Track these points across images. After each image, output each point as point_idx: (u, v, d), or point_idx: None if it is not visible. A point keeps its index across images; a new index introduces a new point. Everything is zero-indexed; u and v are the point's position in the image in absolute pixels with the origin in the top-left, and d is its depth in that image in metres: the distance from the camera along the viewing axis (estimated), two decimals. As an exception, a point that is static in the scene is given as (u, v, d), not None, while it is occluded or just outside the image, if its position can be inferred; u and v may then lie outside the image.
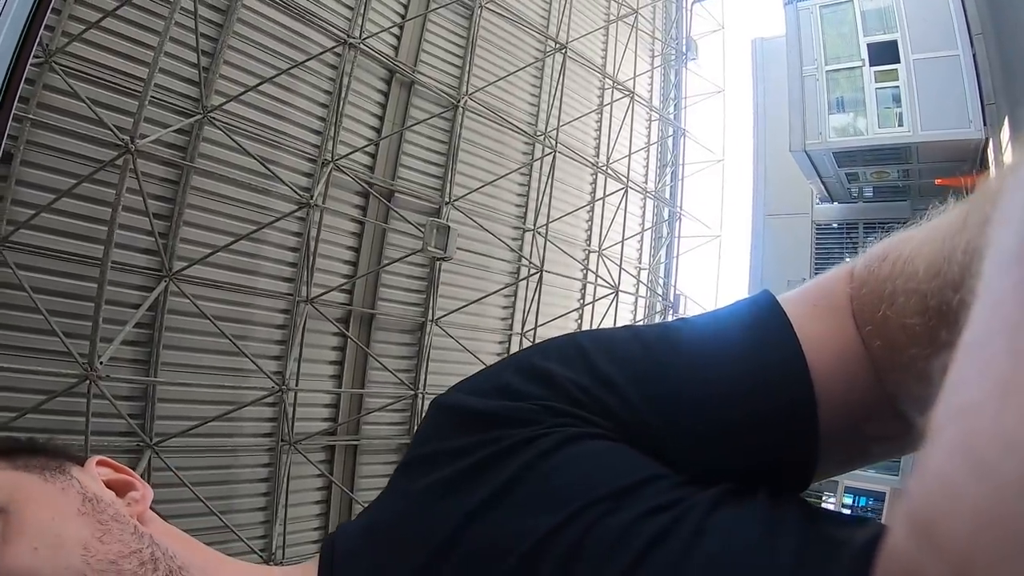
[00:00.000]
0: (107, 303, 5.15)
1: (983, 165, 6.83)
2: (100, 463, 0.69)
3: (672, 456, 0.54)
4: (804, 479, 0.57)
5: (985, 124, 6.43)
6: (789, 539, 0.48)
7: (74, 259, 5.27)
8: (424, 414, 0.61)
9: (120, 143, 4.92)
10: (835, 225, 9.39)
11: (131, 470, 0.69)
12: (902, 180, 8.30)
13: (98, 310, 5.00)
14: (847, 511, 6.95)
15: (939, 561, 0.22)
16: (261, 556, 6.86)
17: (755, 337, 0.58)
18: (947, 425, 0.24)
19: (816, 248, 9.38)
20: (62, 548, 0.55)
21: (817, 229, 9.43)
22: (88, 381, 4.95)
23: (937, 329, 0.46)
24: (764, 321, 0.58)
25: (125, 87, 5.31)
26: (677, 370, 0.57)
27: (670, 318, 12.55)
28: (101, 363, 5.05)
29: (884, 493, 7.61)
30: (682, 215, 13.02)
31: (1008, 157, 5.81)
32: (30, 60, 3.92)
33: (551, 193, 9.52)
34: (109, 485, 0.67)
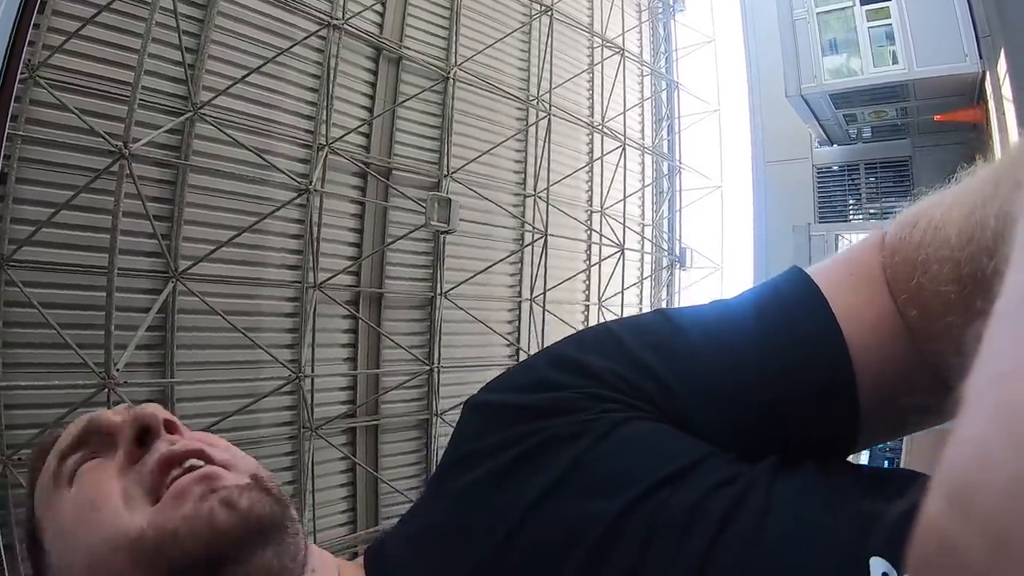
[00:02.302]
0: (117, 310, 5.17)
1: (981, 98, 6.74)
2: None
3: (712, 435, 0.55)
4: (846, 450, 0.58)
5: (981, 57, 6.33)
6: (846, 512, 0.49)
7: (80, 270, 5.29)
8: (460, 416, 0.61)
9: (113, 150, 4.91)
10: (836, 167, 9.30)
11: None
12: (900, 118, 8.20)
13: (109, 318, 5.03)
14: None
15: (976, 531, 0.21)
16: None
17: (789, 314, 0.57)
18: (982, 394, 0.24)
19: (819, 192, 9.31)
20: (250, 460, 0.64)
21: (818, 173, 9.35)
22: (106, 389, 5.01)
23: (972, 296, 0.46)
24: (797, 297, 0.58)
25: (112, 93, 5.27)
26: (712, 352, 0.57)
27: (677, 272, 12.57)
28: (117, 370, 5.09)
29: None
30: (682, 168, 12.93)
31: (1006, 89, 5.74)
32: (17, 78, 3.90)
33: (549, 157, 9.46)
34: None
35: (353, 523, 7.96)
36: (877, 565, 0.45)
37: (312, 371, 7.25)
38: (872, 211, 9.11)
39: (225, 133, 5.98)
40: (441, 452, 6.61)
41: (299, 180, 6.64)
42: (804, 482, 0.51)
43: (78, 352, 4.91)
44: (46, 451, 0.66)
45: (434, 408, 8.51)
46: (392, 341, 8.01)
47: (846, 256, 0.62)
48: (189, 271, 5.92)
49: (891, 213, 9.06)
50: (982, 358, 0.25)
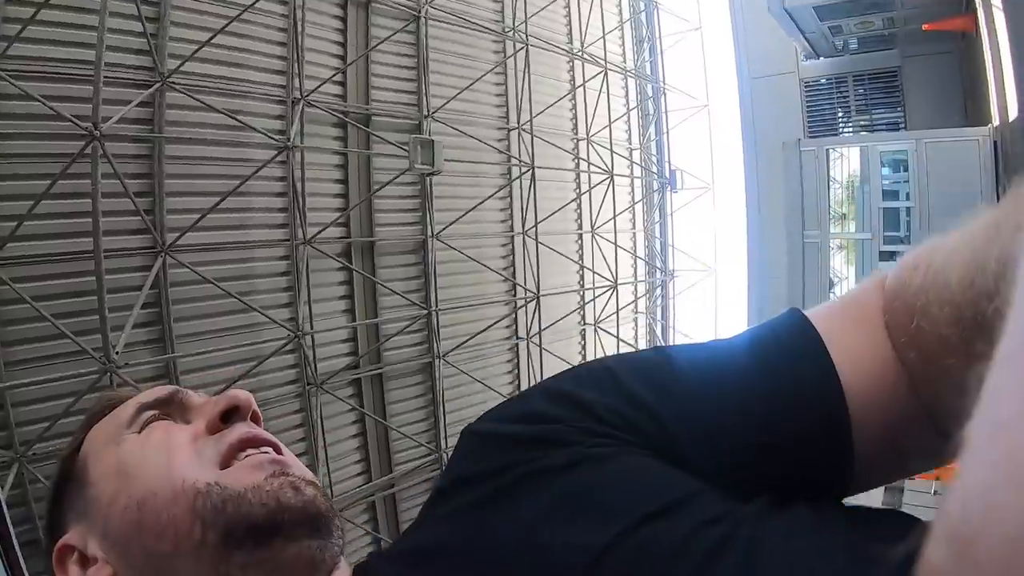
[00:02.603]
0: (109, 292, 5.14)
1: (970, 7, 6.55)
2: (62, 551, 0.66)
3: (705, 473, 0.55)
4: (839, 492, 0.58)
5: (970, -36, 6.15)
6: (838, 556, 0.48)
7: (67, 258, 5.23)
8: (456, 443, 0.62)
9: (84, 132, 4.78)
10: (823, 81, 9.13)
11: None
12: (887, 28, 8.00)
13: (102, 302, 5.00)
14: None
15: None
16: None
17: (786, 358, 0.58)
18: (984, 440, 0.24)
19: (807, 105, 9.18)
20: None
21: (805, 86, 9.19)
22: (108, 373, 5.03)
23: (973, 339, 0.45)
24: (795, 341, 0.58)
25: (77, 75, 5.09)
26: (709, 393, 0.57)
27: (668, 195, 12.48)
28: (117, 353, 5.10)
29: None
30: (666, 90, 12.68)
31: (996, -4, 5.57)
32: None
33: (530, 88, 9.27)
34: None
35: (367, 472, 8.14)
36: None
37: (311, 327, 7.26)
38: (862, 123, 9.00)
39: (197, 99, 5.82)
40: (446, 394, 6.79)
41: (278, 138, 6.50)
42: (794, 523, 0.51)
43: (75, 340, 4.90)
44: (111, 404, 0.72)
45: (436, 351, 8.58)
46: (388, 288, 8.01)
47: (846, 299, 0.63)
48: (177, 243, 5.85)
49: (881, 125, 8.97)
50: (984, 403, 0.25)
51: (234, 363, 6.54)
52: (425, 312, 8.30)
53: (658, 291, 12.91)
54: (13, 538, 3.55)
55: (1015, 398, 0.23)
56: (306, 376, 7.21)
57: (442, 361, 8.63)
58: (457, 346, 8.69)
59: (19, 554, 3.53)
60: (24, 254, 4.98)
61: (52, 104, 4.62)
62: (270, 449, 0.65)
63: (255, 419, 0.69)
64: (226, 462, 0.62)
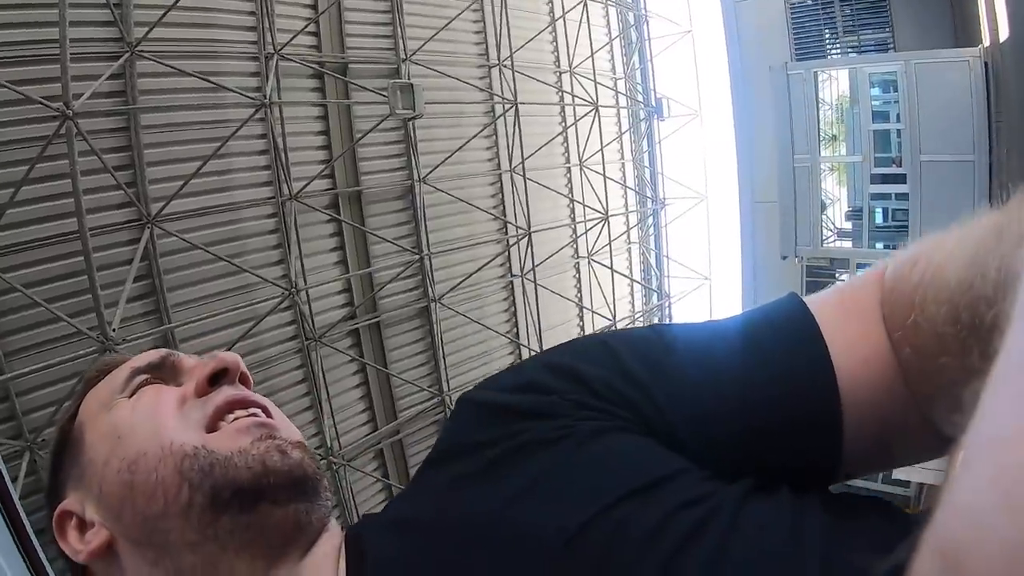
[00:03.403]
0: (99, 269, 5.13)
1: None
2: (61, 518, 0.65)
3: (694, 453, 0.55)
4: (826, 480, 0.59)
5: None
6: (815, 544, 0.49)
7: (53, 241, 5.19)
8: (452, 410, 0.63)
9: (56, 113, 4.68)
10: (809, 1, 8.88)
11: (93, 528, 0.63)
12: (875, -55, 7.76)
13: (93, 281, 5.00)
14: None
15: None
16: (319, 455, 7.30)
17: (781, 343, 0.58)
18: (977, 456, 0.24)
19: (793, 27, 8.94)
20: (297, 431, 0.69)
21: (791, 8, 8.94)
22: (107, 351, 5.06)
23: (968, 340, 0.46)
24: (791, 326, 0.59)
25: (43, 55, 4.95)
26: (702, 374, 0.58)
27: (655, 123, 12.30)
28: (114, 329, 5.12)
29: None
30: (648, 16, 12.33)
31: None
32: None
33: (508, 23, 9.03)
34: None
35: (373, 421, 8.28)
36: None
37: (305, 283, 7.28)
38: (851, 44, 8.80)
39: (168, 65, 5.67)
40: (444, 337, 6.84)
41: (254, 95, 6.38)
42: (773, 509, 0.51)
43: (70, 323, 4.92)
44: (106, 370, 0.72)
45: (431, 294, 8.61)
46: (378, 236, 8.00)
47: (844, 289, 0.63)
48: (163, 213, 5.81)
49: (870, 45, 8.77)
50: (979, 419, 0.25)
51: (231, 326, 6.58)
52: (418, 257, 8.30)
53: (650, 220, 12.87)
54: (28, 527, 3.63)
55: (1007, 417, 0.24)
56: (304, 331, 7.27)
57: (438, 304, 8.67)
58: (452, 288, 8.72)
59: (35, 543, 3.61)
60: (9, 243, 4.94)
61: (20, 88, 4.51)
62: (259, 411, 0.65)
63: (244, 381, 0.69)
64: (213, 425, 0.63)
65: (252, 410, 0.64)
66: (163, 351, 0.72)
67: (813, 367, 0.56)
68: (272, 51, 6.62)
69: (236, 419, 0.63)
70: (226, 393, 0.65)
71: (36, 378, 5.01)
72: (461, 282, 8.77)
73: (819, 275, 11.49)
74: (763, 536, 0.49)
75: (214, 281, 6.50)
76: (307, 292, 7.31)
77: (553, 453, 0.53)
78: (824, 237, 9.33)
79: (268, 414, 0.65)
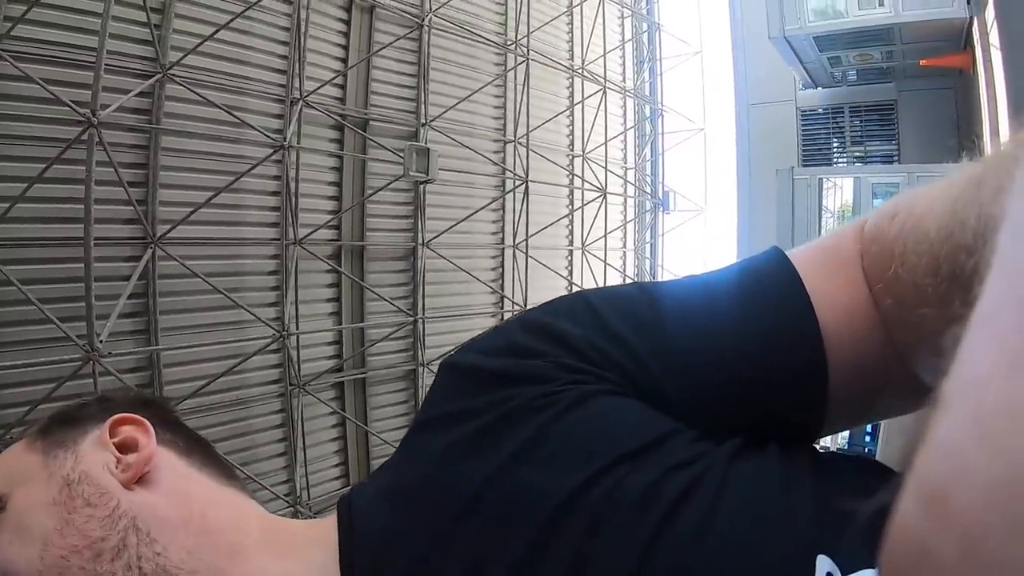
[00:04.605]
0: (97, 280, 5.09)
1: (968, 44, 6.66)
2: (117, 423, 0.65)
3: (681, 411, 0.55)
4: (812, 434, 0.59)
5: (968, 3, 6.23)
6: (805, 499, 0.49)
7: (56, 243, 5.18)
8: (435, 376, 0.61)
9: (81, 119, 4.75)
10: (820, 110, 9.24)
11: (144, 422, 0.65)
12: (886, 62, 8.12)
13: (89, 290, 4.95)
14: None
15: (950, 533, 0.22)
16: (287, 501, 7.09)
17: (765, 295, 0.58)
18: (956, 398, 0.24)
19: (803, 134, 9.26)
20: (25, 542, 0.54)
21: (802, 115, 9.29)
22: (91, 362, 4.97)
23: (949, 290, 0.46)
24: (774, 278, 0.58)
25: (78, 60, 5.06)
26: (686, 328, 0.58)
27: (660, 216, 12.55)
28: (101, 342, 5.04)
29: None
30: (664, 111, 12.78)
31: (994, 36, 5.66)
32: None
33: (528, 102, 9.31)
34: (122, 446, 0.63)
35: (346, 476, 8.07)
36: (823, 564, 0.45)
37: (297, 328, 7.23)
38: (857, 154, 9.09)
39: (196, 93, 5.80)
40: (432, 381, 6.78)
41: (274, 136, 6.49)
42: (762, 466, 0.51)
43: (59, 326, 4.84)
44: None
45: (420, 359, 8.55)
46: (375, 294, 7.99)
47: (825, 242, 0.63)
48: (168, 235, 5.82)
49: (875, 157, 9.06)
50: (960, 362, 0.25)
51: (218, 359, 6.49)
52: (411, 319, 8.28)
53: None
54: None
55: (985, 358, 0.24)
56: (289, 376, 7.17)
57: (426, 369, 8.60)
58: (442, 355, 8.64)
59: None
60: (13, 236, 4.93)
61: (51, 88, 4.60)
62: None
63: None
64: None
65: None
66: None
67: (797, 317, 0.56)
68: (298, 96, 6.78)
69: None
70: None
71: (16, 375, 4.90)
72: (452, 351, 8.71)
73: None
74: (752, 493, 0.49)
75: (208, 312, 6.45)
76: (298, 338, 7.26)
77: (540, 420, 0.52)
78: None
79: None
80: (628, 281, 12.33)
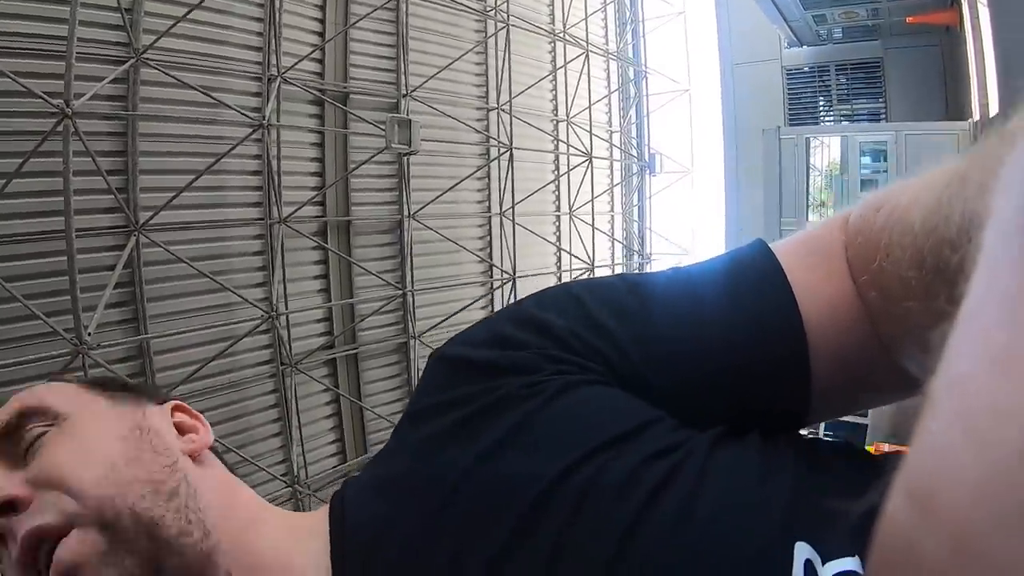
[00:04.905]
0: (81, 272, 5.03)
1: (954, 1, 6.58)
2: (177, 408, 0.72)
3: (663, 400, 0.55)
4: (795, 424, 0.59)
5: (955, -41, 6.15)
6: (784, 487, 0.50)
7: (38, 238, 5.10)
8: (424, 367, 0.62)
9: (55, 110, 4.64)
10: (806, 69, 9.16)
11: (203, 418, 0.73)
12: (871, 19, 8.03)
13: (73, 282, 4.89)
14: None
15: (938, 531, 0.22)
16: (284, 481, 7.13)
17: (747, 285, 0.58)
18: (942, 395, 0.24)
19: (788, 93, 9.20)
20: (89, 461, 0.58)
21: (788, 74, 9.21)
22: (81, 355, 4.93)
23: (933, 284, 0.46)
24: (757, 270, 0.59)
25: (49, 50, 4.92)
26: (669, 319, 0.58)
27: (647, 178, 12.49)
28: (89, 334, 5.00)
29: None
30: (648, 73, 12.64)
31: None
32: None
33: (510, 68, 9.19)
34: (179, 427, 0.69)
35: (342, 453, 8.13)
36: (801, 551, 0.46)
37: (286, 307, 7.20)
38: (843, 112, 9.04)
39: (171, 76, 5.67)
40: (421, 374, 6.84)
41: (253, 115, 6.38)
42: (742, 454, 0.52)
43: (46, 321, 4.79)
44: None
45: (411, 331, 8.55)
46: (363, 268, 7.96)
47: (809, 234, 0.63)
48: (150, 222, 5.74)
49: (862, 115, 9.02)
50: (946, 359, 0.25)
51: (208, 343, 6.46)
52: (401, 292, 8.26)
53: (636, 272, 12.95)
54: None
55: (970, 356, 0.24)
56: (280, 356, 7.16)
57: (418, 341, 8.61)
58: (433, 327, 8.66)
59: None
60: (-6, 234, 4.85)
61: (23, 80, 4.48)
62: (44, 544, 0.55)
63: (13, 506, 0.57)
64: None
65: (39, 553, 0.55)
66: None
67: (779, 308, 0.56)
68: (276, 73, 6.66)
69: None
70: (14, 553, 0.55)
71: (5, 374, 4.85)
72: (442, 321, 8.73)
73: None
74: (732, 481, 0.50)
75: (195, 296, 6.40)
76: (287, 317, 7.23)
77: (525, 409, 0.54)
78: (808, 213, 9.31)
79: (45, 534, 0.55)
80: (617, 244, 12.34)
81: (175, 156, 6.08)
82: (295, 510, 6.39)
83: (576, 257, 10.86)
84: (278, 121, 6.79)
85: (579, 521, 0.48)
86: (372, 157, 7.57)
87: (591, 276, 9.49)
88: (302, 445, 7.51)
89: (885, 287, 0.53)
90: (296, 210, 7.06)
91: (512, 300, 9.46)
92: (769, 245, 0.61)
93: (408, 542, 0.53)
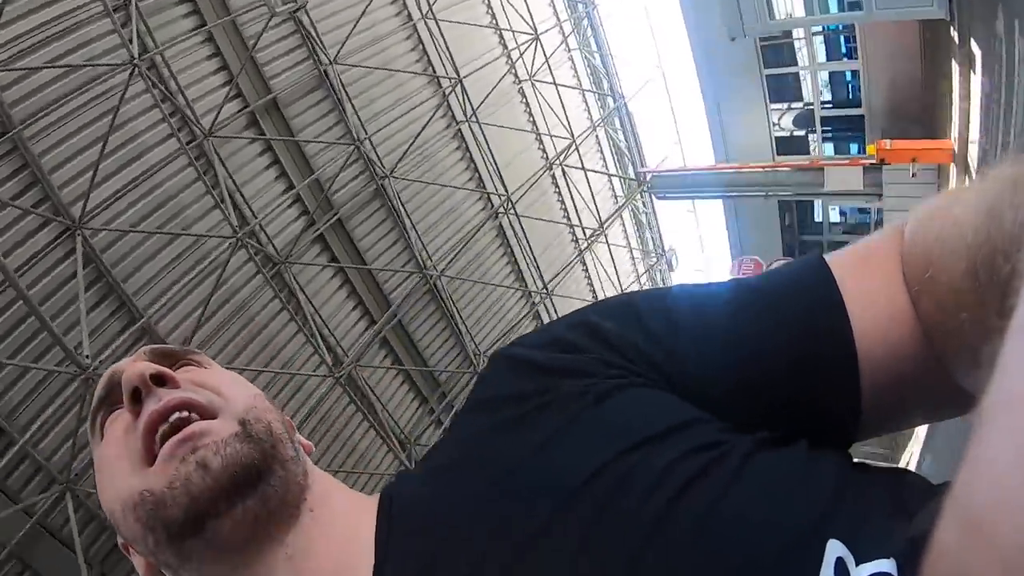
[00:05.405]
0: (45, 300, 5.19)
1: None
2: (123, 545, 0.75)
3: (715, 407, 0.58)
4: (846, 436, 0.61)
5: None
6: (824, 490, 0.51)
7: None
8: (487, 363, 0.67)
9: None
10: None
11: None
12: None
13: (42, 317, 5.05)
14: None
15: (989, 557, 0.22)
16: (322, 375, 7.53)
17: (797, 293, 0.61)
18: (997, 415, 0.24)
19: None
20: (239, 388, 0.71)
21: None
22: (88, 380, 5.10)
23: (987, 295, 0.46)
24: (807, 278, 0.61)
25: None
26: (721, 328, 0.61)
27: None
28: (87, 356, 5.15)
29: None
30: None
31: None
32: None
33: None
34: None
35: (368, 315, 8.53)
36: (833, 548, 0.47)
37: (253, 213, 7.25)
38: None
39: (24, 69, 5.31)
40: (407, 207, 6.66)
41: (125, 60, 5.90)
42: (785, 456, 0.54)
43: (40, 368, 5.02)
44: (100, 397, 0.74)
45: (380, 171, 8.52)
46: (311, 140, 7.81)
47: (863, 244, 0.65)
48: (86, 213, 5.67)
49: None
50: (998, 377, 0.25)
51: (196, 286, 6.65)
52: (353, 145, 8.08)
53: (585, 23, 12.16)
54: None
55: (1021, 373, 0.24)
56: (269, 258, 7.33)
57: (391, 179, 8.59)
58: (401, 157, 8.58)
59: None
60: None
61: None
62: (183, 412, 0.64)
63: (161, 379, 0.68)
64: (150, 456, 0.63)
65: (174, 417, 0.64)
66: (106, 374, 0.72)
67: (827, 314, 0.58)
68: (128, -2, 6.08)
69: (163, 438, 0.63)
70: (147, 411, 0.65)
71: (42, 428, 5.22)
72: (408, 148, 8.57)
73: (776, 49, 10.96)
74: (770, 479, 0.52)
75: (163, 252, 6.47)
76: (261, 224, 7.27)
77: (577, 407, 0.57)
78: (772, 9, 8.78)
79: (193, 406, 0.65)
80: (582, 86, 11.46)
81: (74, 136, 5.86)
82: (343, 395, 6.77)
83: (518, 31, 10.29)
84: (157, 47, 6.35)
85: (618, 505, 0.51)
86: (265, 28, 7.02)
87: (539, 45, 8.87)
88: (327, 327, 7.90)
89: (938, 298, 0.53)
90: (216, 117, 6.81)
91: (466, 99, 9.18)
92: (824, 256, 0.62)
93: (454, 516, 0.57)
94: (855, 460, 0.58)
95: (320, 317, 7.96)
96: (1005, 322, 0.25)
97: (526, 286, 10.79)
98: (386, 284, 8.73)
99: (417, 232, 8.98)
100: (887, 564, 0.45)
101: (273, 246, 7.53)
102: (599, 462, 0.53)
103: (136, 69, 5.92)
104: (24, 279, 5.16)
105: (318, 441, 7.67)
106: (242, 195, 7.25)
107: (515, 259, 10.60)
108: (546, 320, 10.87)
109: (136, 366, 0.67)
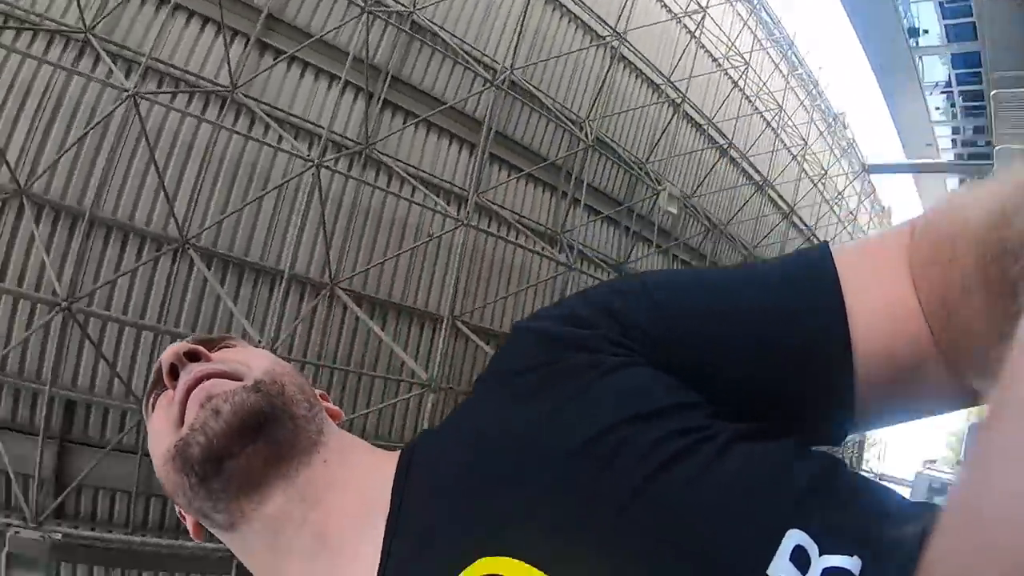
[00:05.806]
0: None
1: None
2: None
3: (712, 392, 0.59)
4: (840, 428, 0.60)
5: None
6: (798, 483, 0.52)
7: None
8: (508, 335, 0.69)
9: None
10: None
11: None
12: None
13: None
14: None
15: (996, 566, 0.22)
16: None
17: (794, 282, 0.61)
18: (1005, 420, 0.24)
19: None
20: (262, 358, 0.77)
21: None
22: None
23: (995, 292, 0.47)
24: (807, 268, 0.61)
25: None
26: (724, 312, 0.62)
27: None
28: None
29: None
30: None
31: None
32: None
33: None
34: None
35: (466, 143, 8.53)
36: (793, 536, 0.49)
37: (317, 127, 7.20)
38: None
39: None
40: (443, 27, 7.50)
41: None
42: (767, 448, 0.54)
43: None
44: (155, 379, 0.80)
45: (406, 8, 7.94)
46: (274, 124, 7.36)
47: (871, 239, 0.67)
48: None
49: None
50: (1003, 381, 0.26)
51: (309, 219, 6.92)
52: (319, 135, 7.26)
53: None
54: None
55: None
56: (345, 167, 7.33)
57: (417, 12, 8.01)
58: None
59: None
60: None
61: None
62: (213, 379, 0.71)
63: (194, 355, 0.75)
64: (181, 418, 0.70)
65: (203, 385, 0.71)
66: (160, 362, 0.77)
67: (823, 301, 0.58)
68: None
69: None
70: (181, 383, 0.72)
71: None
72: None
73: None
74: (745, 467, 0.53)
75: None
76: (327, 132, 7.00)
77: (581, 381, 0.59)
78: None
79: (218, 374, 0.72)
80: None
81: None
82: (477, 233, 7.43)
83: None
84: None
85: (599, 481, 0.53)
86: None
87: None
88: (435, 177, 7.88)
89: (946, 294, 0.53)
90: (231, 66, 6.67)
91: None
92: (830, 247, 0.62)
93: (468, 466, 0.61)
94: (840, 460, 0.58)
95: (425, 173, 8.11)
96: (1013, 323, 0.25)
97: (596, 35, 10.07)
98: (466, 107, 8.58)
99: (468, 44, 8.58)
100: (850, 562, 0.47)
101: (349, 140, 7.53)
102: (592, 432, 0.55)
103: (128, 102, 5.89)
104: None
105: (476, 286, 8.11)
106: (298, 117, 7.24)
107: (574, 15, 9.84)
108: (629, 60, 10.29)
109: (173, 347, 0.75)
